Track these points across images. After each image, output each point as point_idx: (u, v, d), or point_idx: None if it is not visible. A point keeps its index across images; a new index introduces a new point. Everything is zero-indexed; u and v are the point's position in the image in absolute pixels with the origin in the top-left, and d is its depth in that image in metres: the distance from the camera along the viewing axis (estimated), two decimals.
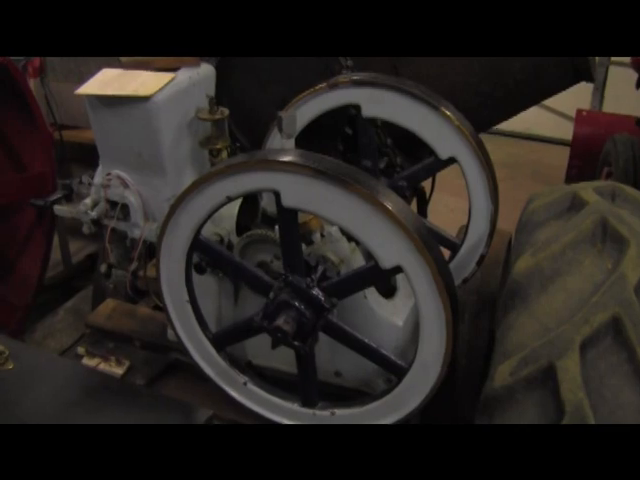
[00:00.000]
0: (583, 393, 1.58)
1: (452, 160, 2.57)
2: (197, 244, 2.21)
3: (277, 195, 1.99)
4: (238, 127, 2.96)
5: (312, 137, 2.73)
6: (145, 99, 2.32)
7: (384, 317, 2.38)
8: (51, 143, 4.04)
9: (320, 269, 2.19)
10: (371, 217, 1.90)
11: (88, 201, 2.60)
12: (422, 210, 3.29)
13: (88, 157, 3.07)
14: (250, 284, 2.26)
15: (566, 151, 5.88)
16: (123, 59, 2.54)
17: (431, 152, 2.61)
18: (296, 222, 2.06)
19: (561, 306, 1.81)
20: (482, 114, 3.12)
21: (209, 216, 2.14)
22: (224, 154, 2.56)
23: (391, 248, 1.93)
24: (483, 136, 3.36)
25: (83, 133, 4.30)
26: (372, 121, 2.67)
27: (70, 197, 2.74)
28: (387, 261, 1.95)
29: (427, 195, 3.28)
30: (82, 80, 2.49)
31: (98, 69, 2.55)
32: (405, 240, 1.89)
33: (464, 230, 2.69)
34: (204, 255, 2.30)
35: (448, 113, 2.50)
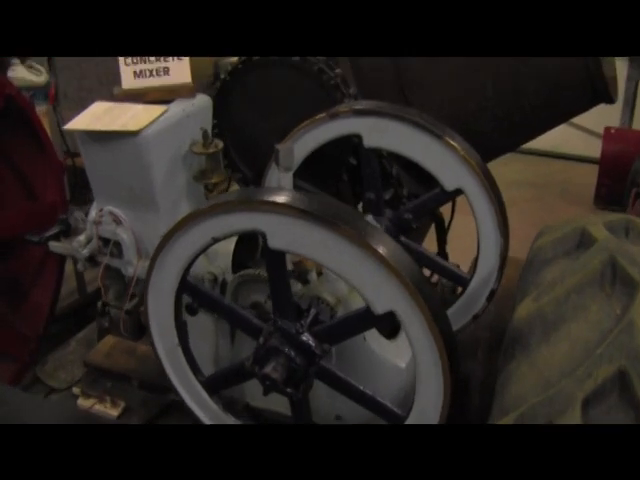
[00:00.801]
0: None
1: (458, 192, 2.45)
2: (185, 285, 2.11)
3: (263, 236, 1.88)
4: (240, 158, 2.87)
5: (316, 168, 2.63)
6: (134, 134, 2.24)
7: (386, 359, 2.26)
8: (62, 172, 3.99)
9: (312, 312, 2.07)
10: (360, 260, 1.79)
11: (82, 238, 2.53)
12: (441, 238, 3.15)
13: None
14: (240, 327, 2.16)
15: (595, 169, 5.69)
16: (115, 91, 2.47)
17: (437, 183, 2.49)
18: (284, 264, 1.95)
19: (564, 357, 1.66)
20: (499, 139, 3.00)
21: (196, 257, 2.05)
22: (224, 186, 2.47)
23: (383, 293, 1.81)
24: (508, 156, 3.24)
25: None
26: (376, 151, 2.55)
27: (67, 232, 2.67)
28: (379, 306, 1.84)
29: (447, 221, 3.13)
30: None
31: (110, 97, 2.51)
32: (397, 285, 1.77)
33: (473, 263, 2.55)
34: (193, 297, 2.20)
35: (453, 142, 2.38)
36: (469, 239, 3.13)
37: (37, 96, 5.47)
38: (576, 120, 3.40)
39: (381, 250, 1.76)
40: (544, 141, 4.02)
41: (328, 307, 2.17)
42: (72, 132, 2.37)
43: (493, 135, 2.93)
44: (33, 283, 4.11)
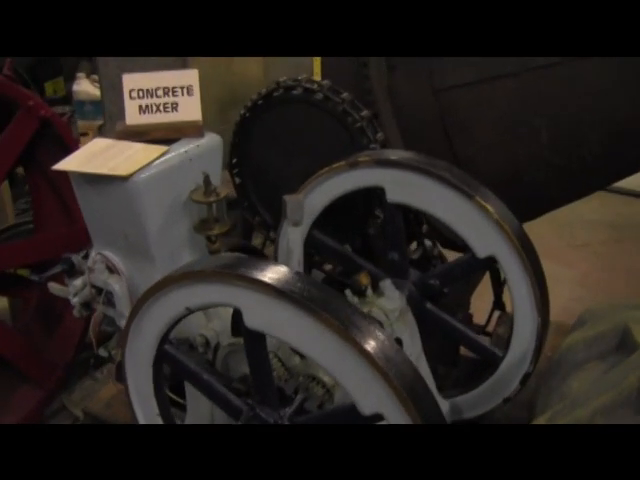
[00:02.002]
0: None
1: (491, 259, 2.13)
2: (163, 355, 1.88)
3: (239, 313, 1.63)
4: (260, 200, 2.64)
5: (338, 220, 2.37)
6: (124, 179, 2.02)
7: None
8: None
9: (298, 399, 1.80)
10: (344, 355, 1.52)
11: (78, 282, 2.33)
12: (497, 287, 2.79)
13: None
14: (220, 406, 1.91)
15: None
16: (118, 127, 2.27)
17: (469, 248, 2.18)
18: (264, 345, 1.69)
19: None
20: (553, 190, 2.67)
21: (173, 326, 1.82)
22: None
23: (368, 393, 1.53)
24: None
25: None
26: (401, 206, 2.26)
27: (71, 272, 2.48)
28: (365, 407, 1.56)
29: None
30: None
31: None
32: (384, 387, 1.49)
33: (505, 342, 2.23)
34: (172, 368, 1.97)
35: (486, 204, 2.06)
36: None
37: (98, 109, 5.44)
38: None
39: (367, 345, 1.48)
40: (628, 178, 3.64)
41: (324, 389, 1.90)
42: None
43: (547, 186, 2.61)
44: (67, 308, 4.00)
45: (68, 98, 5.85)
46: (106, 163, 2.09)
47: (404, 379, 1.50)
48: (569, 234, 5.35)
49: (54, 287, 2.45)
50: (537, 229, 2.26)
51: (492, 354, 2.28)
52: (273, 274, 1.58)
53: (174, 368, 1.98)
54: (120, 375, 2.33)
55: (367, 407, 1.55)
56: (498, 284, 2.71)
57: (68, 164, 2.14)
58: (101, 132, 4.18)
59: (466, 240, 2.14)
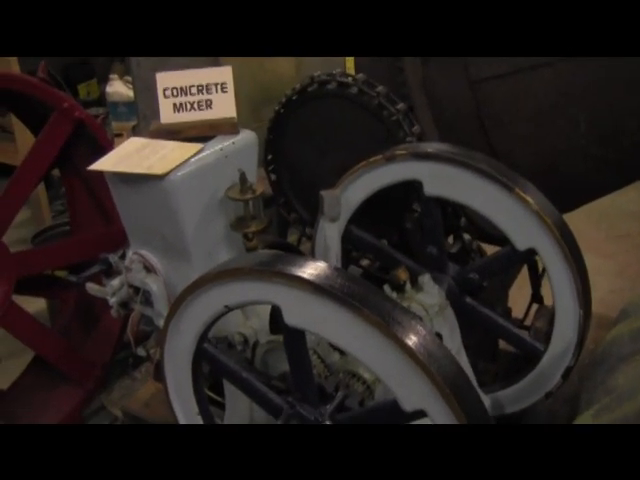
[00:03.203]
0: None
1: (532, 252, 2.10)
2: (202, 353, 1.88)
3: (278, 311, 1.62)
4: (296, 197, 2.63)
5: (375, 215, 2.35)
6: (160, 178, 2.02)
7: None
8: None
9: (338, 396, 1.78)
10: (385, 351, 1.49)
11: (116, 282, 2.34)
12: (535, 279, 2.75)
13: None
14: (259, 404, 1.90)
15: None
16: (152, 126, 2.27)
17: (508, 240, 2.14)
18: (304, 343, 1.68)
19: None
20: (594, 180, 2.61)
21: (211, 324, 1.81)
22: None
23: (411, 389, 1.51)
24: None
25: None
26: (439, 200, 2.23)
27: (109, 272, 2.49)
28: (407, 403, 1.53)
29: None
30: None
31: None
32: (427, 383, 1.47)
33: (543, 335, 2.19)
34: (210, 366, 1.97)
35: (526, 196, 2.03)
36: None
37: (132, 110, 5.47)
38: None
39: (409, 340, 1.46)
40: None
41: (364, 385, 1.88)
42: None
43: (585, 177, 2.55)
44: (105, 308, 4.03)
45: (102, 100, 5.91)
46: (141, 162, 2.09)
47: (446, 374, 1.47)
48: (608, 225, 5.25)
49: (92, 288, 2.45)
50: (575, 221, 2.21)
51: (533, 348, 2.24)
52: (312, 270, 1.57)
53: (213, 367, 1.97)
54: (158, 374, 2.33)
55: (409, 403, 1.53)
56: (536, 277, 2.67)
57: (103, 164, 2.14)
58: (135, 132, 4.18)
59: (506, 233, 2.11)
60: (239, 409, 2.23)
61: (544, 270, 2.62)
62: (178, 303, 1.80)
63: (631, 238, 5.15)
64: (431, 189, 2.18)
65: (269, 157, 2.62)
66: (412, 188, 2.32)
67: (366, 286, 1.55)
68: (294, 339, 1.66)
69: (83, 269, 3.45)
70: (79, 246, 3.49)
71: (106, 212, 3.88)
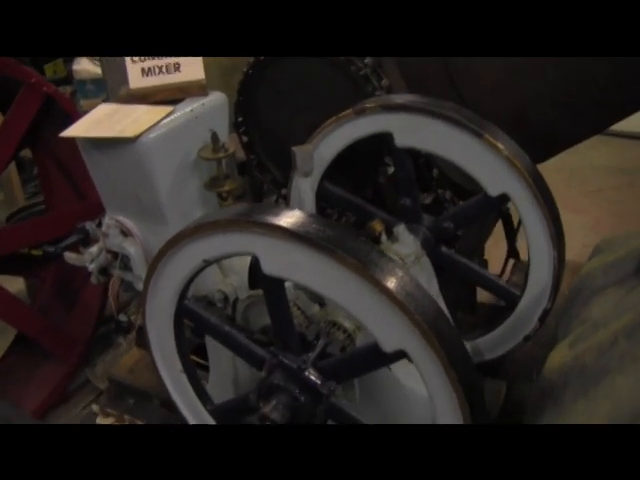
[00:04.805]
0: None
1: (504, 198, 2.13)
2: (183, 310, 1.90)
3: (257, 261, 1.64)
4: (269, 158, 2.64)
5: (347, 170, 2.36)
6: (132, 140, 2.02)
7: (411, 388, 1.98)
8: None
9: (320, 344, 1.81)
10: (364, 293, 1.52)
11: (94, 249, 2.34)
12: (510, 235, 2.80)
13: None
14: (242, 357, 1.92)
15: None
16: (122, 91, 2.27)
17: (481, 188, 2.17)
18: (282, 292, 1.70)
19: (605, 419, 1.34)
20: (563, 128, 2.64)
21: (190, 280, 1.83)
22: (239, 192, 2.23)
23: (391, 330, 1.54)
24: (597, 138, 2.85)
25: None
26: (410, 151, 2.25)
27: (87, 241, 2.49)
28: (387, 345, 1.56)
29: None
30: None
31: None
32: (406, 323, 1.49)
33: (523, 279, 2.23)
34: (192, 322, 1.98)
35: (496, 142, 2.05)
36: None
37: (100, 88, 5.43)
38: None
39: (388, 282, 1.49)
40: (636, 122, 3.60)
41: (345, 334, 1.90)
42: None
43: (555, 125, 2.58)
44: (84, 284, 4.04)
45: (69, 78, 5.85)
46: (113, 127, 2.09)
47: (425, 313, 1.50)
48: (580, 181, 5.32)
49: (70, 256, 2.45)
50: (547, 177, 2.23)
51: (510, 293, 2.28)
52: (288, 218, 1.58)
53: (195, 323, 1.99)
54: (140, 339, 2.36)
55: (389, 344, 1.56)
56: (512, 232, 2.71)
57: (74, 130, 2.15)
58: None
59: (478, 179, 2.13)
60: (222, 368, 2.26)
61: (519, 224, 2.68)
62: (157, 261, 1.81)
63: (603, 193, 5.21)
64: (402, 140, 2.20)
65: (240, 119, 2.62)
66: (384, 142, 2.34)
67: (342, 230, 1.57)
68: (273, 288, 1.69)
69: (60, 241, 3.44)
70: (54, 222, 3.48)
71: (80, 187, 3.88)
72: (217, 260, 1.78)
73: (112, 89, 4.11)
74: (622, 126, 3.18)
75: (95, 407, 2.60)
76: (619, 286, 1.65)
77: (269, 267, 1.63)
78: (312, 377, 1.72)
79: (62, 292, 3.99)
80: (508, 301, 2.28)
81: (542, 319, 2.21)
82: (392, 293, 1.48)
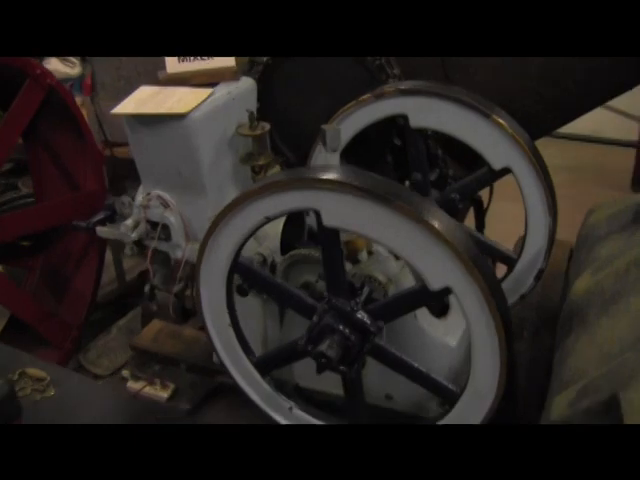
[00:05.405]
0: None
1: (506, 170, 2.43)
2: (237, 266, 2.12)
3: (317, 215, 1.88)
4: (284, 142, 2.88)
5: (359, 150, 2.62)
6: (181, 117, 2.25)
7: (436, 338, 2.26)
8: (102, 161, 4.01)
9: (366, 290, 2.07)
10: (417, 236, 1.78)
11: (129, 222, 2.53)
12: (480, 221, 3.13)
13: None
14: (293, 307, 2.16)
15: (633, 153, 5.59)
16: (161, 76, 2.48)
17: (484, 162, 2.46)
18: (338, 242, 1.95)
19: (624, 330, 1.64)
20: (544, 119, 2.96)
21: (248, 237, 2.05)
22: (273, 169, 2.47)
23: (439, 269, 1.80)
24: (544, 140, 3.19)
25: None
26: (422, 131, 2.54)
27: (113, 218, 2.68)
28: (435, 282, 1.82)
29: (485, 205, 3.11)
30: None
31: (155, 82, 2.51)
32: (453, 260, 1.76)
33: (521, 243, 2.53)
34: (244, 278, 2.21)
35: (501, 121, 2.36)
36: (510, 224, 3.14)
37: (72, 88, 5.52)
38: (613, 103, 3.35)
39: (437, 225, 1.75)
40: (580, 125, 3.96)
41: (380, 286, 2.16)
42: (119, 117, 2.36)
43: (540, 115, 2.89)
44: (75, 271, 4.14)
45: None
46: (160, 105, 2.30)
47: (470, 252, 1.76)
48: None
49: (103, 230, 2.63)
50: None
51: (507, 255, 2.59)
52: (346, 175, 1.83)
53: (247, 279, 2.21)
54: (151, 297, 2.55)
55: (437, 282, 1.82)
56: (481, 219, 3.03)
57: (125, 108, 2.34)
58: (94, 102, 4.32)
59: (483, 155, 2.42)
60: (253, 330, 2.46)
61: (487, 210, 2.99)
62: (218, 220, 2.02)
63: (563, 188, 5.58)
64: (416, 121, 2.48)
65: (258, 106, 2.85)
66: (393, 125, 2.61)
67: (396, 184, 1.84)
68: (331, 239, 1.93)
69: (48, 237, 3.56)
70: (47, 212, 3.61)
71: (73, 178, 4.00)
72: (277, 217, 2.01)
73: (101, 81, 4.30)
74: (565, 129, 3.55)
75: (125, 372, 2.76)
76: (621, 232, 1.97)
77: (329, 220, 1.87)
78: (363, 317, 1.97)
79: (52, 280, 4.07)
80: (506, 263, 2.58)
81: (537, 278, 2.52)
82: (442, 235, 1.74)
